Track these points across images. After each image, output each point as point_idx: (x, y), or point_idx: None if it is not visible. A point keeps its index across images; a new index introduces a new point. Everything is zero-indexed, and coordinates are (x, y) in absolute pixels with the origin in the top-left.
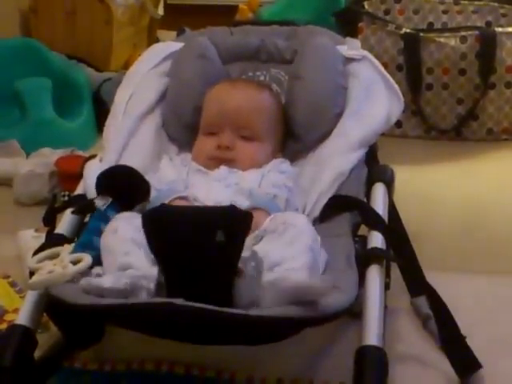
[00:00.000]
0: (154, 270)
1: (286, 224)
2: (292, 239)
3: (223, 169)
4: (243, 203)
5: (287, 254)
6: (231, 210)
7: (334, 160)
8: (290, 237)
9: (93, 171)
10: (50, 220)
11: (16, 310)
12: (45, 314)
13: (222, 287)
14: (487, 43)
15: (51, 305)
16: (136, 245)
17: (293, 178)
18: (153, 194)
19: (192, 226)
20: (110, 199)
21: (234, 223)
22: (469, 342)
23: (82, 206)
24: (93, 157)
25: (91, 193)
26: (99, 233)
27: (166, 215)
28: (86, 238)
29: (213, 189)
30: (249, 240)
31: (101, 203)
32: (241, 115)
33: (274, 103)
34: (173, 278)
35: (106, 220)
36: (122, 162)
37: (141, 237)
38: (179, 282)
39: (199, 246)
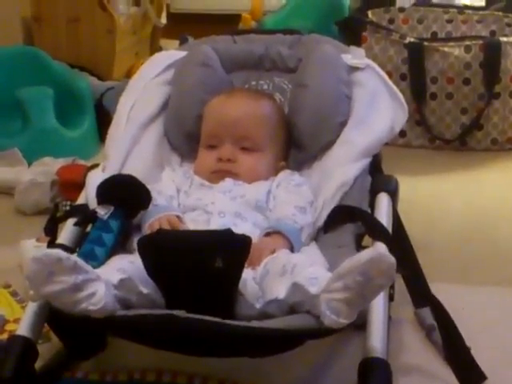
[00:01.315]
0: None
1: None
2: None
3: (228, 181)
4: (261, 223)
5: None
6: (229, 235)
7: (338, 169)
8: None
9: (95, 181)
10: (51, 230)
11: (17, 320)
12: (46, 325)
13: (222, 308)
14: (492, 53)
15: (52, 315)
16: (119, 271)
17: (311, 189)
18: (150, 207)
19: (190, 253)
20: (112, 208)
21: (233, 249)
22: (473, 353)
23: (84, 217)
24: (95, 166)
25: (93, 202)
26: (101, 242)
27: (163, 241)
28: (88, 247)
29: (218, 200)
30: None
31: (102, 212)
32: (240, 126)
33: (274, 112)
34: (172, 300)
35: (108, 229)
36: (125, 171)
37: (130, 267)
38: (179, 304)
39: (198, 272)
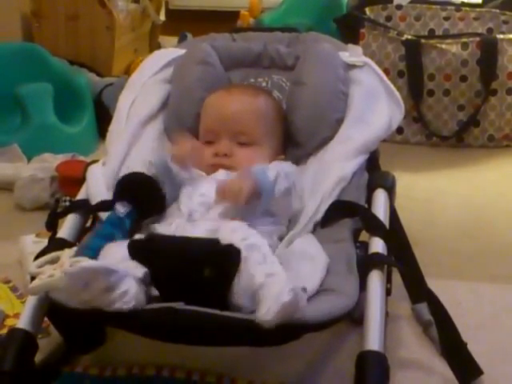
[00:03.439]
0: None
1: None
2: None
3: (221, 171)
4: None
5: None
6: (219, 246)
7: (336, 166)
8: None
9: (95, 175)
10: (52, 225)
11: (17, 315)
12: (46, 319)
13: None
14: (488, 50)
15: (52, 309)
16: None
17: (308, 184)
18: None
19: (179, 261)
20: (130, 207)
21: (223, 261)
22: (470, 348)
23: (100, 204)
24: (94, 162)
25: (94, 195)
26: (112, 240)
27: (153, 248)
28: (98, 243)
29: (212, 188)
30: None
31: (122, 210)
32: (237, 122)
33: (271, 107)
34: (166, 297)
35: (121, 228)
36: (125, 168)
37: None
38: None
39: (188, 279)
